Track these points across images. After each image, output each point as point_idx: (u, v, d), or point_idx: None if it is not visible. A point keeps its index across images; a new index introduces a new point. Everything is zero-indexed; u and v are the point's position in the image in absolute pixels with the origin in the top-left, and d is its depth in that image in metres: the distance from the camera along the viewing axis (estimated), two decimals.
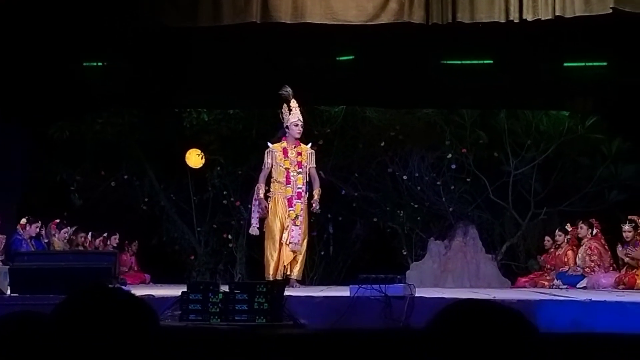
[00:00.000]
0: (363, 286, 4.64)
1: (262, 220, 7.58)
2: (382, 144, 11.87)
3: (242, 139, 11.91)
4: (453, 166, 11.81)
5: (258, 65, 9.59)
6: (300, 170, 7.58)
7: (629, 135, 11.16)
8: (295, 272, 7.42)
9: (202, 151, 11.54)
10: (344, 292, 5.25)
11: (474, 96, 10.61)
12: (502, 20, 7.21)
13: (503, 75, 9.72)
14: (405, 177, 11.91)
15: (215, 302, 4.28)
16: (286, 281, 6.97)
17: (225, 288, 4.52)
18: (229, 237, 12.02)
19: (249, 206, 7.82)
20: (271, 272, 7.31)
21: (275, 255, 7.36)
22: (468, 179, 11.80)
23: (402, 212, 11.96)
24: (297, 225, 7.43)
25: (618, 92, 10.13)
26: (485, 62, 9.77)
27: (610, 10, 7.00)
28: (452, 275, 10.75)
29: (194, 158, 11.51)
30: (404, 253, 11.86)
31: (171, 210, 12.20)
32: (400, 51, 9.22)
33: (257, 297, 4.23)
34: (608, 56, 9.60)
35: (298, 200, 7.51)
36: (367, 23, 7.48)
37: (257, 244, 12.07)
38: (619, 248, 9.13)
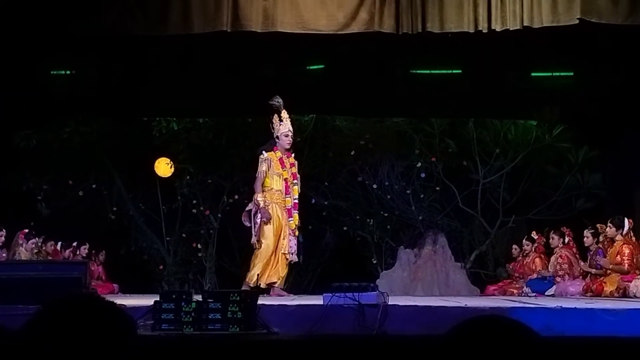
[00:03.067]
0: (336, 294, 4.64)
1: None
2: (352, 152, 11.90)
3: (211, 148, 11.86)
4: (422, 175, 11.88)
5: (228, 73, 9.57)
6: (295, 181, 7.65)
7: (594, 144, 11.33)
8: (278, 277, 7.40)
9: (171, 160, 11.47)
10: (316, 300, 5.25)
11: (443, 105, 10.71)
12: (471, 30, 7.28)
13: (472, 85, 9.83)
14: (375, 186, 11.95)
15: (188, 311, 4.25)
16: (259, 290, 6.93)
17: (198, 297, 4.49)
18: (199, 246, 11.94)
19: (242, 218, 7.70)
20: (255, 278, 7.23)
21: (262, 264, 7.30)
22: (437, 188, 11.88)
23: (372, 220, 11.99)
24: (294, 236, 7.49)
25: (584, 102, 10.29)
26: (454, 71, 9.86)
27: (577, 21, 7.11)
28: (421, 284, 10.79)
29: (163, 167, 11.43)
30: (374, 262, 11.89)
31: (140, 220, 12.09)
32: (370, 60, 9.28)
33: (230, 306, 4.21)
34: (574, 66, 9.76)
35: (296, 211, 7.58)
36: (338, 32, 7.51)
37: (227, 253, 12.07)
38: (582, 264, 9.26)
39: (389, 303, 4.76)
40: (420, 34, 7.35)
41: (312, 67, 9.80)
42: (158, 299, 4.43)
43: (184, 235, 12.02)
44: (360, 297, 4.59)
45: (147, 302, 4.66)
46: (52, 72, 9.87)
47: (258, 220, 7.41)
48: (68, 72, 9.89)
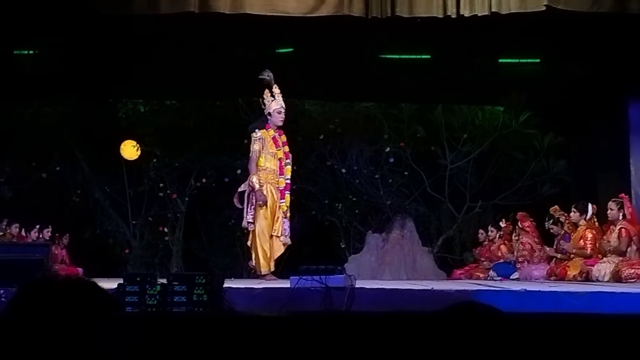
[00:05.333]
0: (304, 277, 4.64)
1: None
2: (321, 137, 11.89)
3: (179, 131, 11.76)
4: (391, 160, 11.92)
5: (196, 56, 9.47)
6: (288, 161, 7.38)
7: (560, 130, 11.45)
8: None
9: (137, 143, 11.35)
10: (283, 284, 5.24)
11: (412, 90, 10.73)
12: (440, 16, 7.28)
13: (440, 70, 9.84)
14: (343, 171, 11.96)
15: (152, 294, 4.21)
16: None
17: (163, 280, 4.45)
18: (165, 230, 11.87)
19: (234, 200, 7.40)
20: (267, 266, 7.08)
21: (267, 248, 7.10)
22: (406, 173, 11.92)
23: (340, 205, 12.01)
24: (286, 218, 7.26)
25: (550, 89, 10.38)
26: (423, 56, 9.87)
27: (544, 8, 7.15)
28: (389, 268, 10.85)
29: (129, 149, 11.30)
30: (342, 246, 11.92)
31: (105, 203, 11.97)
32: (339, 44, 9.24)
33: (196, 288, 4.18)
34: (541, 53, 9.82)
35: (288, 192, 7.31)
36: (307, 15, 7.45)
37: (194, 237, 12.01)
38: (547, 249, 9.39)
39: (356, 286, 4.77)
40: (390, 18, 7.34)
41: (281, 50, 9.73)
42: (122, 282, 4.39)
43: (150, 218, 11.94)
44: (327, 279, 4.59)
45: (111, 285, 4.61)
46: (15, 52, 9.68)
47: (252, 203, 7.16)
48: (32, 52, 9.71)
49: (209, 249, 11.98)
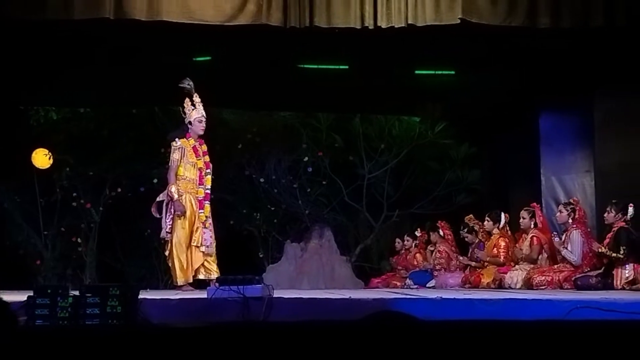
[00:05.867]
0: (220, 287, 4.59)
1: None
2: (239, 146, 11.83)
3: (93, 139, 11.49)
4: (309, 169, 11.96)
5: (111, 63, 9.28)
6: (208, 170, 7.30)
7: (474, 141, 11.75)
8: (215, 270, 7.16)
9: (49, 151, 10.99)
10: (201, 294, 5.17)
11: (330, 100, 10.80)
12: (358, 27, 7.37)
13: (358, 81, 9.94)
14: (262, 180, 11.93)
15: (64, 307, 4.08)
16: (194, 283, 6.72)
17: (76, 292, 4.32)
18: (79, 240, 11.55)
19: (152, 209, 7.26)
20: (184, 276, 6.98)
21: (183, 259, 7.01)
22: (324, 182, 11.98)
23: (258, 214, 11.96)
24: (207, 228, 7.17)
25: (465, 100, 10.63)
26: (341, 67, 9.94)
27: (459, 21, 7.33)
28: (307, 277, 10.86)
29: (41, 158, 10.92)
30: (261, 255, 11.87)
31: (15, 213, 11.56)
32: (258, 54, 9.22)
33: (110, 300, 4.08)
34: (456, 65, 10.04)
35: (207, 202, 7.24)
36: (225, 24, 7.42)
37: (109, 248, 11.73)
38: (462, 258, 9.60)
39: (274, 296, 4.75)
40: (308, 28, 7.38)
41: (199, 59, 9.64)
42: (32, 294, 4.23)
43: (63, 229, 11.60)
44: (245, 289, 4.56)
45: (21, 297, 4.45)
46: None
47: (172, 214, 7.09)
48: None
49: (124, 260, 11.73)
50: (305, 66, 9.96)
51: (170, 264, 7.14)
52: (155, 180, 11.53)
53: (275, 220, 12.07)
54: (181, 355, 3.37)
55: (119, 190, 11.57)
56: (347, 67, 9.92)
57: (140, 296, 4.47)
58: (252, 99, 10.56)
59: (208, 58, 9.60)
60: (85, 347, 3.42)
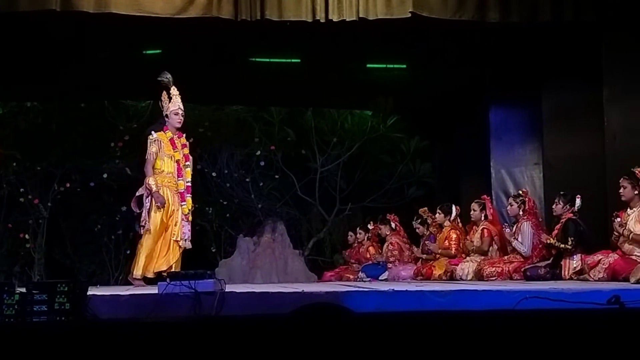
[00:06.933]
0: (172, 282, 4.54)
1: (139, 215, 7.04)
2: (191, 140, 11.63)
3: (41, 133, 11.27)
4: (262, 163, 11.93)
5: (60, 56, 9.11)
6: (188, 163, 7.18)
7: (425, 134, 11.85)
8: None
9: None
10: (152, 290, 5.11)
11: (282, 94, 10.77)
12: (309, 20, 7.36)
13: (310, 74, 9.94)
14: (214, 174, 11.85)
15: (10, 304, 4.00)
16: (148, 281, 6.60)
17: (23, 289, 4.24)
18: (27, 236, 11.33)
19: (132, 204, 7.09)
20: (145, 269, 6.83)
21: (152, 250, 6.83)
22: (277, 176, 11.96)
23: (210, 209, 11.88)
24: (188, 222, 7.07)
25: (416, 94, 10.72)
26: (293, 60, 9.93)
27: (409, 14, 7.38)
28: (260, 272, 10.84)
29: None
30: (213, 250, 11.79)
31: None
32: (209, 47, 9.15)
33: (57, 296, 4.00)
34: (407, 59, 10.11)
35: (189, 195, 7.13)
36: (175, 16, 7.34)
37: (58, 244, 11.52)
38: (415, 249, 9.69)
39: (227, 290, 4.72)
40: (259, 21, 7.35)
41: (149, 52, 9.53)
42: None
43: (10, 225, 11.36)
44: (196, 284, 4.51)
45: None
46: None
47: (148, 206, 6.91)
48: None
49: (74, 256, 11.54)
50: (257, 60, 9.93)
51: (136, 255, 7.00)
52: (105, 175, 11.37)
53: (228, 215, 12.01)
54: (131, 351, 3.33)
55: (68, 185, 11.38)
56: (299, 60, 9.91)
57: (90, 292, 4.40)
58: (203, 92, 10.46)
59: (158, 51, 9.49)
60: (32, 344, 3.36)
